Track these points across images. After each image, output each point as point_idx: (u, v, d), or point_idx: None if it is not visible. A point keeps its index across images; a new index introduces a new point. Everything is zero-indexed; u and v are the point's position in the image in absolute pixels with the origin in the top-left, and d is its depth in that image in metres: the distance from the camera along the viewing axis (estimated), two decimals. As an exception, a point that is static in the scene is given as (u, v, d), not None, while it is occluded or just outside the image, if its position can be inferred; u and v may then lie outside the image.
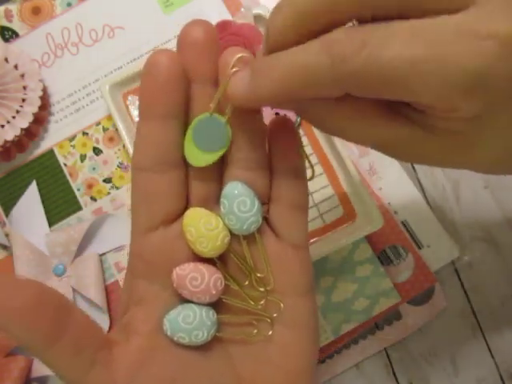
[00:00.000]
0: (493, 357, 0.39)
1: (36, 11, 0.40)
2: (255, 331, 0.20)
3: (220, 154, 0.19)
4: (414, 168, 0.41)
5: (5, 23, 0.40)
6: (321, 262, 0.37)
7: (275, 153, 0.20)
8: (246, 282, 0.20)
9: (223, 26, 0.36)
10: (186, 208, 0.20)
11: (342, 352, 0.38)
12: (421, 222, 0.39)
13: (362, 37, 0.14)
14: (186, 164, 0.19)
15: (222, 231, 0.19)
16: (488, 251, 0.40)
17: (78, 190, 0.39)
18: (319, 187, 0.37)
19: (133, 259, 0.20)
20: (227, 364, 0.20)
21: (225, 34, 0.36)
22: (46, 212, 0.38)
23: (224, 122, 0.18)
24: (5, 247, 0.38)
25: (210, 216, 0.19)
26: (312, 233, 0.37)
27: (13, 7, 0.40)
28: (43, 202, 0.38)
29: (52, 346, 0.17)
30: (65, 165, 0.39)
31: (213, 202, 0.20)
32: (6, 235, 0.37)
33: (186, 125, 0.19)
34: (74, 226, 0.37)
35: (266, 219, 0.20)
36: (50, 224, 0.38)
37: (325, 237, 0.37)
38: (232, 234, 0.20)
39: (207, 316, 0.19)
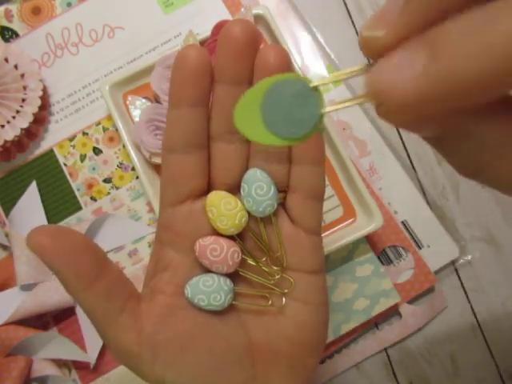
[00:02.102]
0: (493, 357, 0.39)
1: (36, 11, 0.40)
2: (269, 302, 0.22)
3: (302, 140, 0.13)
4: (414, 168, 0.41)
5: (5, 23, 0.40)
6: (321, 262, 0.37)
7: (297, 144, 0.21)
8: (264, 259, 0.22)
9: (223, 26, 0.36)
10: (209, 186, 0.22)
11: (342, 352, 0.38)
12: (421, 222, 0.39)
13: None
14: (207, 146, 0.21)
15: (240, 211, 0.21)
16: (488, 251, 0.40)
17: (78, 190, 0.39)
18: (319, 187, 0.37)
19: (161, 230, 0.22)
20: (241, 330, 0.22)
21: (225, 34, 0.36)
22: (46, 212, 0.38)
23: (316, 93, 0.13)
24: (5, 247, 0.38)
25: (230, 197, 0.21)
26: (312, 233, 0.37)
27: (13, 7, 0.40)
28: (43, 202, 0.38)
29: (89, 287, 0.19)
30: (65, 165, 0.39)
31: (235, 187, 0.22)
32: (6, 235, 0.37)
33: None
34: (73, 226, 0.37)
35: (283, 205, 0.22)
36: (50, 224, 0.38)
37: (325, 237, 0.37)
38: (251, 216, 0.22)
39: (225, 282, 0.22)
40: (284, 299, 0.22)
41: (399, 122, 0.12)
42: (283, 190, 0.22)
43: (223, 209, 0.21)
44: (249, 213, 0.22)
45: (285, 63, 0.19)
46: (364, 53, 0.12)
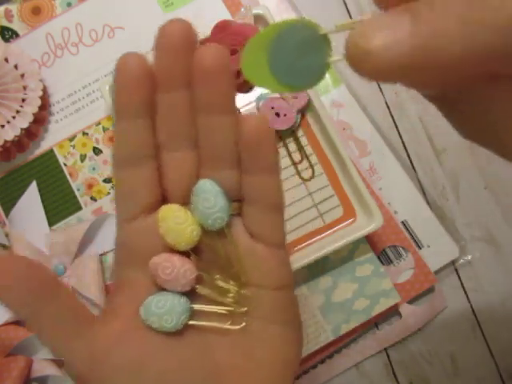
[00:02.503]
0: (493, 357, 0.39)
1: (36, 11, 0.40)
2: (229, 322, 0.21)
3: (308, 88, 0.13)
4: (414, 168, 0.41)
5: (5, 23, 0.40)
6: (321, 262, 0.37)
7: (247, 151, 0.19)
8: (217, 276, 0.21)
9: (223, 25, 0.36)
10: (165, 199, 0.21)
11: (342, 352, 0.38)
12: (421, 222, 0.39)
13: None
14: (158, 157, 0.20)
15: (190, 225, 0.20)
16: (488, 251, 0.40)
17: (78, 190, 0.39)
18: (319, 187, 0.37)
19: (117, 249, 0.22)
20: (204, 351, 0.21)
21: (225, 34, 0.36)
22: (46, 212, 0.38)
23: (328, 41, 0.12)
24: (5, 247, 0.38)
25: (181, 211, 0.20)
26: (312, 233, 0.37)
27: (13, 7, 0.40)
28: (43, 202, 0.38)
29: (38, 314, 0.19)
30: (65, 165, 0.39)
31: (188, 199, 0.21)
32: (6, 235, 0.37)
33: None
34: (74, 226, 0.37)
35: (240, 216, 0.21)
36: (50, 224, 0.38)
37: (325, 237, 0.37)
38: (208, 230, 0.21)
39: (179, 303, 0.20)
40: (245, 318, 0.21)
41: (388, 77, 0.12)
42: (238, 199, 0.21)
43: (172, 223, 0.20)
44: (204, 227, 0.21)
45: (222, 65, 0.17)
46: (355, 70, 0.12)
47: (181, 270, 0.20)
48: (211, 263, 0.21)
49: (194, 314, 0.21)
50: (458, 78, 0.11)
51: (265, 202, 0.20)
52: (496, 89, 0.12)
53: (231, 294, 0.21)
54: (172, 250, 0.20)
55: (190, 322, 0.21)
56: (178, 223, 0.20)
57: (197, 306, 0.21)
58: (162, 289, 0.21)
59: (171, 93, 0.19)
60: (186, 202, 0.21)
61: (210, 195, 0.20)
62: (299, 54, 0.12)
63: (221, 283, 0.21)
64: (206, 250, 0.21)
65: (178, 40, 0.17)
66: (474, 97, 0.13)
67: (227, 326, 0.21)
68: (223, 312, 0.21)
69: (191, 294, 0.21)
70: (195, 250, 0.21)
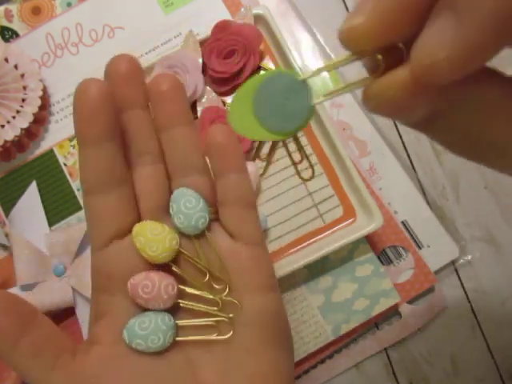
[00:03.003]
0: (493, 357, 0.39)
1: (36, 11, 0.40)
2: (215, 334, 0.20)
3: (292, 133, 0.14)
4: (413, 168, 0.41)
5: (5, 23, 0.40)
6: (321, 262, 0.37)
7: (215, 155, 0.20)
8: (206, 279, 0.21)
9: (223, 26, 0.36)
10: (137, 219, 0.21)
11: (342, 352, 0.38)
12: (421, 222, 0.39)
13: None
14: (131, 179, 0.20)
15: (169, 234, 0.20)
16: (488, 251, 0.40)
17: (78, 190, 0.39)
18: (319, 187, 0.37)
19: (94, 275, 0.21)
20: (188, 369, 0.20)
21: (225, 34, 0.36)
22: (46, 212, 0.38)
23: (307, 86, 0.13)
24: (5, 247, 0.38)
25: (156, 224, 0.20)
26: (312, 233, 0.37)
27: (13, 7, 0.40)
28: (43, 202, 0.38)
29: (13, 346, 0.19)
30: (65, 165, 0.39)
31: (163, 213, 0.21)
32: (6, 235, 0.37)
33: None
34: (74, 226, 0.37)
35: (218, 221, 0.21)
36: (50, 224, 0.38)
37: (325, 237, 0.37)
38: (184, 237, 0.21)
39: (163, 321, 0.20)
40: (232, 327, 0.20)
41: (393, 110, 0.13)
42: (213, 204, 0.21)
43: (150, 235, 0.19)
44: (182, 234, 0.21)
45: (175, 87, 0.20)
46: (346, 46, 0.13)
47: (161, 285, 0.19)
48: (192, 273, 0.21)
49: (178, 329, 0.20)
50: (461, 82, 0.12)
51: (239, 201, 0.21)
52: (488, 88, 0.13)
53: (216, 308, 0.20)
54: (149, 267, 0.20)
55: (177, 339, 0.20)
56: (155, 234, 0.20)
57: (182, 322, 0.21)
58: (143, 309, 0.20)
59: (128, 112, 0.20)
60: (158, 217, 0.21)
61: (190, 197, 0.20)
62: (283, 102, 0.12)
63: (204, 293, 0.20)
64: (184, 260, 0.21)
65: (124, 70, 0.20)
66: (466, 104, 0.13)
67: (214, 337, 0.20)
68: (210, 323, 0.20)
69: (173, 308, 0.21)
70: (174, 262, 0.21)
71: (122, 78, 0.20)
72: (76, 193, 0.38)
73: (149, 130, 0.21)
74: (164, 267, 0.20)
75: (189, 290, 0.21)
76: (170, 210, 0.21)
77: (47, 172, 0.39)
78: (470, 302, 0.40)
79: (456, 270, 0.40)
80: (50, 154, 0.39)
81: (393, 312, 0.38)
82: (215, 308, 0.20)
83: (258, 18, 0.37)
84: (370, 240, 0.38)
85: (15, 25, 0.40)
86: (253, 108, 0.13)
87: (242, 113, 0.13)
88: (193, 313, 0.21)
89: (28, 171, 0.39)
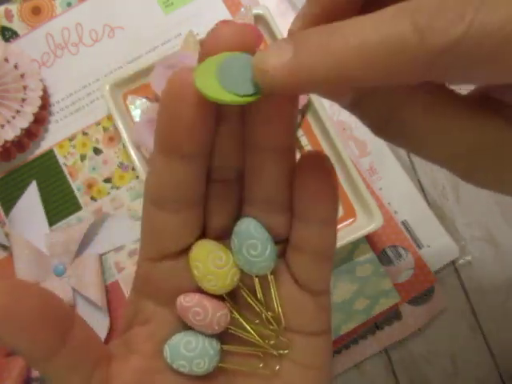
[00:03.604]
0: (493, 357, 0.39)
1: (36, 11, 0.40)
2: (261, 365, 0.19)
3: (252, 99, 0.14)
4: (413, 168, 0.41)
5: (5, 23, 0.40)
6: (321, 262, 0.37)
7: (303, 195, 0.17)
8: (257, 321, 0.19)
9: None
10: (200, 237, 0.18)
11: (342, 352, 0.38)
12: (421, 222, 0.39)
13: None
14: (203, 201, 0.17)
15: (231, 268, 0.18)
16: (488, 251, 0.40)
17: (78, 190, 0.39)
18: (319, 187, 0.37)
19: (139, 280, 0.19)
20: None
21: (225, 34, 0.36)
22: (46, 212, 0.38)
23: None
24: (5, 247, 0.38)
25: (220, 250, 0.18)
26: (312, 233, 0.37)
27: (13, 7, 0.40)
28: (43, 201, 0.38)
29: (51, 358, 0.16)
30: (65, 165, 0.39)
31: (227, 234, 0.18)
32: (6, 235, 0.37)
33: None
34: (74, 226, 0.37)
35: (283, 259, 0.19)
36: (50, 224, 0.38)
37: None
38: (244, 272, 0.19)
39: (210, 345, 0.18)
40: (280, 361, 0.19)
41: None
42: (281, 241, 0.18)
43: (212, 266, 0.17)
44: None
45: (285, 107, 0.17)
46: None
47: (215, 316, 0.18)
48: (247, 305, 0.19)
49: (223, 355, 0.19)
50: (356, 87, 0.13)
51: (316, 253, 0.18)
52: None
53: (271, 341, 0.19)
54: (201, 290, 0.18)
55: (221, 365, 0.19)
56: (218, 266, 0.17)
57: (228, 347, 0.19)
58: (190, 327, 0.19)
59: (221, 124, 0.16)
60: (221, 236, 0.18)
61: (257, 241, 0.17)
62: (242, 75, 0.14)
63: (259, 327, 0.19)
64: (240, 293, 0.19)
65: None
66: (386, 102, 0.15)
67: (261, 369, 0.19)
68: (256, 353, 0.19)
69: (221, 333, 0.19)
70: (229, 293, 0.19)
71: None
72: (76, 193, 0.38)
73: (236, 145, 0.17)
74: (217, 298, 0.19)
75: (242, 323, 0.19)
76: (232, 244, 0.18)
77: (47, 172, 0.39)
78: (470, 302, 0.40)
79: (456, 270, 0.40)
80: (49, 154, 0.39)
81: (393, 312, 0.38)
82: (266, 341, 0.19)
83: (258, 18, 0.37)
84: (370, 240, 0.38)
85: (15, 25, 0.40)
86: (217, 78, 0.14)
87: (208, 80, 0.14)
88: (239, 340, 0.19)
89: (28, 171, 0.39)
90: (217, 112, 0.16)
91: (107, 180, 0.39)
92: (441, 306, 0.39)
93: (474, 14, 0.11)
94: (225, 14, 0.40)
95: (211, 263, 0.17)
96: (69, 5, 0.40)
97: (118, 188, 0.38)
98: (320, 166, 0.17)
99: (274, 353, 0.19)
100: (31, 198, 0.38)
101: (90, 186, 0.39)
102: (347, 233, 0.35)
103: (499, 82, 0.12)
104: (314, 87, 0.14)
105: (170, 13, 0.40)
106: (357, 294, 0.37)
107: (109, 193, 0.38)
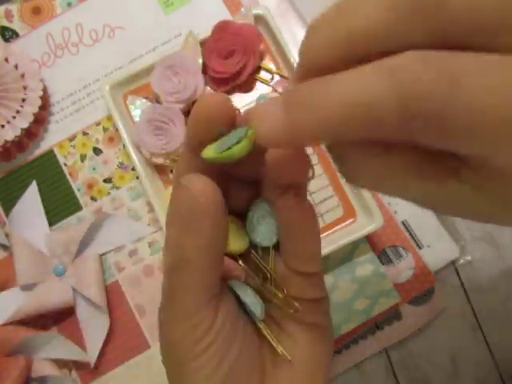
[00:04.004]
0: (493, 357, 0.39)
1: (36, 11, 0.40)
2: (280, 348, 0.21)
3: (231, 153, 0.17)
4: (414, 168, 0.41)
5: (5, 23, 0.40)
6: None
7: (289, 226, 0.20)
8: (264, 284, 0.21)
9: (223, 26, 0.36)
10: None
11: (342, 352, 0.38)
12: (421, 222, 0.39)
13: (446, 67, 0.11)
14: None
15: (243, 233, 0.21)
16: (488, 251, 0.40)
17: (78, 190, 0.39)
18: (319, 187, 0.37)
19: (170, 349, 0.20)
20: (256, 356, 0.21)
21: (225, 34, 0.36)
22: (46, 212, 0.38)
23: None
24: (5, 247, 0.38)
25: (233, 221, 0.21)
26: (312, 233, 0.37)
27: (13, 7, 0.40)
28: (43, 201, 0.38)
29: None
30: (65, 165, 0.39)
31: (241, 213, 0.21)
32: (6, 235, 0.37)
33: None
34: (74, 226, 0.37)
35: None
36: (50, 224, 0.38)
37: (325, 237, 0.37)
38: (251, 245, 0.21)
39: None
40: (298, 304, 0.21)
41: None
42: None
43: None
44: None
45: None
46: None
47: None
48: (256, 273, 0.21)
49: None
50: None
51: (302, 232, 0.20)
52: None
53: (281, 296, 0.21)
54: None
55: (261, 326, 0.21)
56: (232, 229, 0.20)
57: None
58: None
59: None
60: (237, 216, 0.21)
61: (266, 214, 0.21)
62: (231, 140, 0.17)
63: (269, 287, 0.21)
64: (252, 262, 0.21)
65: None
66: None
67: (280, 350, 0.21)
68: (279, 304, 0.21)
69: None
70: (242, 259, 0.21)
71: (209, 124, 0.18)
72: (76, 193, 0.38)
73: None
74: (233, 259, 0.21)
75: (254, 280, 0.21)
76: (247, 218, 0.21)
77: (47, 172, 0.39)
78: (470, 302, 0.40)
79: (456, 270, 0.40)
80: (49, 154, 0.39)
81: (393, 312, 0.38)
82: (280, 296, 0.21)
83: (258, 18, 0.37)
84: (370, 240, 0.38)
85: (15, 25, 0.40)
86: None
87: (209, 151, 0.17)
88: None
89: (28, 171, 0.39)
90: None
91: (107, 180, 0.39)
92: (441, 305, 0.39)
93: (459, 85, 0.11)
94: (225, 14, 0.40)
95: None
96: (69, 5, 0.40)
97: (118, 188, 0.38)
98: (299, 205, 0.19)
99: (289, 309, 0.21)
100: (31, 198, 0.38)
101: (90, 186, 0.39)
102: (347, 233, 0.35)
103: (472, 153, 0.12)
104: (304, 143, 0.16)
105: (170, 13, 0.40)
106: (357, 294, 0.37)
107: (109, 193, 0.38)
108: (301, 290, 0.21)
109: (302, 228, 0.19)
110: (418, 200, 0.15)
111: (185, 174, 0.18)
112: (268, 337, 0.21)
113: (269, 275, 0.21)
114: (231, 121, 0.18)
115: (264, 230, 0.21)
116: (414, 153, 0.14)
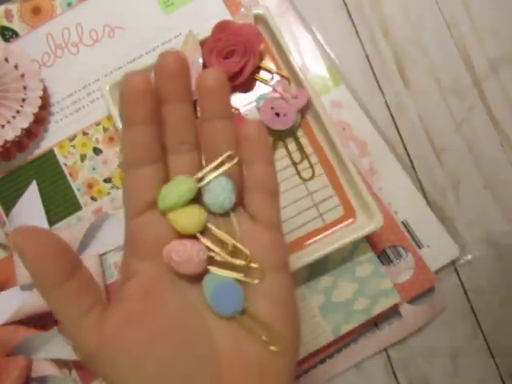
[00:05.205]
0: (493, 357, 0.39)
1: (36, 11, 0.40)
2: (242, 275, 0.22)
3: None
4: (413, 168, 0.41)
5: (5, 23, 0.40)
6: (321, 262, 0.37)
7: (248, 146, 0.23)
8: (226, 255, 0.23)
9: (223, 26, 0.36)
10: None
11: (342, 352, 0.38)
12: (421, 222, 0.39)
13: None
14: (166, 161, 0.23)
15: (199, 208, 0.22)
16: (488, 251, 0.40)
17: (78, 189, 0.39)
18: (319, 187, 0.37)
19: (126, 241, 0.23)
20: (207, 336, 0.22)
21: (225, 34, 0.36)
22: (46, 212, 0.38)
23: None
24: (5, 247, 0.38)
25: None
26: (312, 233, 0.37)
27: (13, 7, 0.40)
28: (43, 201, 0.38)
29: (57, 287, 0.21)
30: (65, 165, 0.39)
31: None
32: (6, 235, 0.37)
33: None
34: (74, 226, 0.37)
35: (241, 205, 0.24)
36: (50, 224, 0.38)
37: (325, 237, 0.37)
38: (210, 215, 0.23)
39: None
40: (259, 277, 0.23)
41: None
42: (239, 190, 0.24)
43: (181, 210, 0.22)
44: (208, 212, 0.23)
45: (221, 85, 0.22)
46: None
47: (193, 250, 0.22)
48: (217, 245, 0.23)
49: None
50: None
51: (263, 188, 0.23)
52: None
53: (241, 272, 0.22)
54: (179, 237, 0.22)
55: (211, 269, 0.22)
56: (187, 208, 0.22)
57: (213, 269, 0.23)
58: (173, 273, 0.22)
59: (170, 105, 0.22)
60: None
61: (221, 179, 0.23)
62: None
63: (231, 259, 0.22)
64: (211, 235, 0.23)
65: (172, 67, 0.22)
66: None
67: (244, 278, 0.22)
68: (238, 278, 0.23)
69: (202, 274, 0.23)
70: (202, 234, 0.23)
71: (170, 74, 0.22)
72: (76, 193, 0.38)
73: (189, 122, 0.23)
74: (193, 237, 0.22)
75: (217, 257, 0.22)
76: (201, 188, 0.23)
77: (47, 172, 0.39)
78: (470, 302, 0.40)
79: (456, 270, 0.40)
80: (49, 154, 0.39)
81: (393, 312, 0.38)
82: (242, 274, 0.22)
83: (258, 18, 0.37)
84: (370, 240, 0.38)
85: (15, 25, 0.40)
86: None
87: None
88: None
89: (28, 171, 0.39)
90: (169, 96, 0.22)
91: (107, 180, 0.39)
92: (441, 305, 0.39)
93: None
94: (225, 14, 0.40)
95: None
96: (69, 5, 0.40)
97: (118, 188, 0.39)
98: (258, 125, 0.23)
99: (250, 281, 0.22)
100: (31, 198, 0.38)
101: (90, 186, 0.39)
102: (347, 233, 0.35)
103: None
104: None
105: (170, 13, 0.40)
106: (357, 294, 0.37)
107: (109, 193, 0.38)
108: (263, 247, 0.23)
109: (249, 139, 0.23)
110: None
111: (128, 152, 0.22)
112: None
113: (230, 240, 0.23)
114: (153, 96, 0.21)
115: (221, 196, 0.22)
116: None
